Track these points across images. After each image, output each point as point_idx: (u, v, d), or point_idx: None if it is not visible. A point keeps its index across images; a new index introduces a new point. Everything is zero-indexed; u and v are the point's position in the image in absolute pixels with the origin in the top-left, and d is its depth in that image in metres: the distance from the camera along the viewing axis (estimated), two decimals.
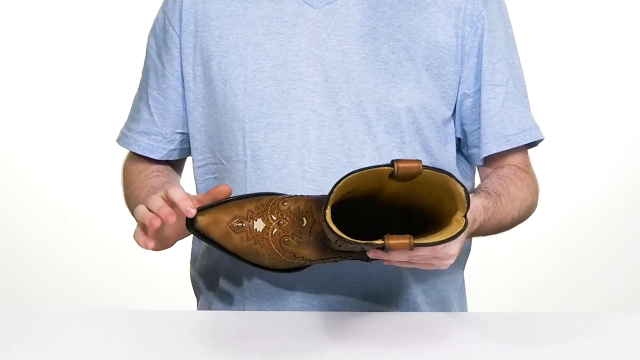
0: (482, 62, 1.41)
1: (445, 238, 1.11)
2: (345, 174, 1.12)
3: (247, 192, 1.39)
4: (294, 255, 1.22)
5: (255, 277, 1.41)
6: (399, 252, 1.14)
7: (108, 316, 1.33)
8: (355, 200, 1.20)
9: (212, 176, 1.46)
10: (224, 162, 1.43)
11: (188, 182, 1.56)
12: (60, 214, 3.24)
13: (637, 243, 3.23)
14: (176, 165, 1.56)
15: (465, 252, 1.53)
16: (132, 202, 1.48)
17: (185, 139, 1.50)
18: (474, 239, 1.54)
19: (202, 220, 1.23)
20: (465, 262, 1.55)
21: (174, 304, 2.30)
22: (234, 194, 1.40)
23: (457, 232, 1.11)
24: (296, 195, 1.24)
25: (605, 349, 1.20)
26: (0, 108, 3.22)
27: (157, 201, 1.25)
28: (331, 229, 1.10)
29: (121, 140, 1.53)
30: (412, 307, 1.43)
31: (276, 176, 1.38)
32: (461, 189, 1.13)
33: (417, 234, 1.17)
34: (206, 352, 1.19)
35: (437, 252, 1.18)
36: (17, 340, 1.22)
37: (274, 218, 1.22)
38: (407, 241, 1.09)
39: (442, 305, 1.47)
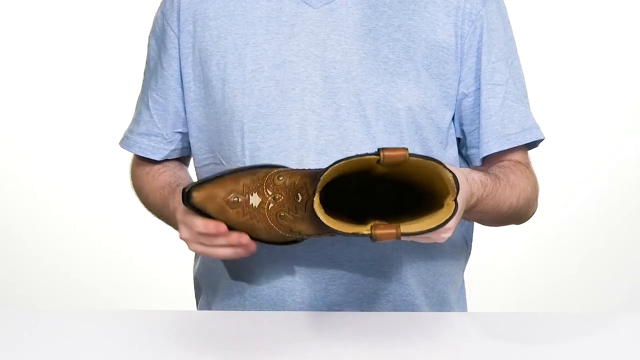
0: (481, 61, 1.41)
1: (433, 226, 1.11)
2: (331, 163, 1.13)
3: None
4: (291, 230, 1.21)
5: (255, 277, 1.41)
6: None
7: (108, 316, 1.33)
8: (351, 175, 1.20)
9: None
10: (224, 163, 1.43)
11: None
12: (61, 214, 3.24)
13: (637, 243, 3.23)
14: (183, 163, 1.56)
15: (465, 254, 1.53)
16: (151, 208, 1.50)
17: (185, 138, 1.50)
18: (475, 238, 1.54)
19: (198, 196, 1.22)
20: (465, 264, 1.55)
21: (174, 304, 2.30)
22: None
23: (446, 218, 1.12)
24: (292, 169, 1.24)
25: (605, 349, 1.20)
26: (1, 109, 3.23)
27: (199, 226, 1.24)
28: (319, 218, 1.10)
29: (122, 142, 1.53)
30: (412, 309, 1.43)
31: None
32: (449, 175, 1.13)
33: (412, 206, 1.17)
34: (206, 352, 1.19)
35: (435, 234, 1.18)
36: (17, 340, 1.22)
37: (270, 193, 1.21)
38: (394, 231, 1.09)
39: (441, 306, 1.47)
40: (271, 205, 1.21)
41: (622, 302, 3.17)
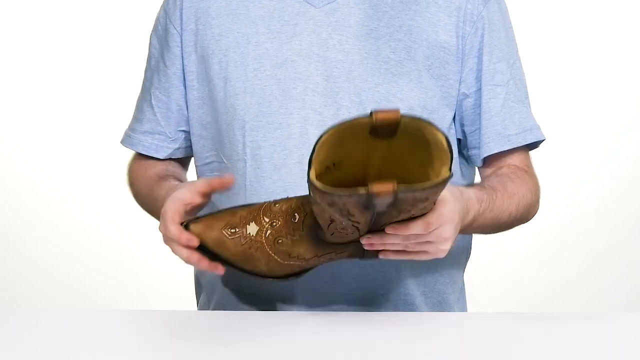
0: (482, 62, 1.41)
1: (430, 185, 1.09)
2: (324, 130, 1.11)
3: (247, 191, 1.40)
4: (289, 255, 1.21)
5: (255, 281, 1.41)
6: (383, 198, 1.10)
7: (108, 316, 1.33)
8: (349, 176, 1.20)
9: (215, 174, 1.46)
10: (225, 161, 1.43)
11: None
12: (61, 214, 3.24)
13: (638, 244, 3.23)
14: (181, 164, 1.56)
15: (465, 254, 1.52)
16: (141, 201, 1.49)
17: (189, 137, 1.49)
18: (475, 239, 1.54)
19: (195, 228, 1.23)
20: (466, 265, 1.55)
21: (174, 304, 2.30)
22: (234, 193, 1.40)
23: (442, 179, 1.10)
24: (288, 197, 1.24)
25: (605, 349, 1.20)
26: (1, 109, 3.22)
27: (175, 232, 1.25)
28: (315, 186, 1.09)
29: (125, 141, 1.53)
30: (411, 309, 1.43)
31: (275, 175, 1.39)
32: (442, 137, 1.11)
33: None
34: (206, 352, 1.19)
35: (430, 233, 1.18)
36: (17, 340, 1.22)
37: (267, 220, 1.22)
38: (390, 185, 1.07)
39: (441, 306, 1.47)
40: (269, 232, 1.21)
41: (622, 302, 3.17)
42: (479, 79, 1.41)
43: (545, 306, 3.17)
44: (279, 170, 1.38)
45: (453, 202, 1.21)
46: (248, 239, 1.22)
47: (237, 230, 1.22)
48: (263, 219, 1.22)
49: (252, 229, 1.22)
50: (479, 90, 1.41)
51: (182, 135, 1.49)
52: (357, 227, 1.17)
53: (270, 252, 1.21)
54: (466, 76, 1.41)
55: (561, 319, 1.35)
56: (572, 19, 3.16)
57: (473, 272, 1.68)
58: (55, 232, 3.24)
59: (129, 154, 1.55)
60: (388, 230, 1.17)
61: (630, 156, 3.19)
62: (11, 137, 3.22)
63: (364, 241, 1.20)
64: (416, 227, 1.17)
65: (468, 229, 1.32)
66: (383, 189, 1.08)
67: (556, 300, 3.19)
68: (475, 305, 1.66)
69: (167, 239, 1.26)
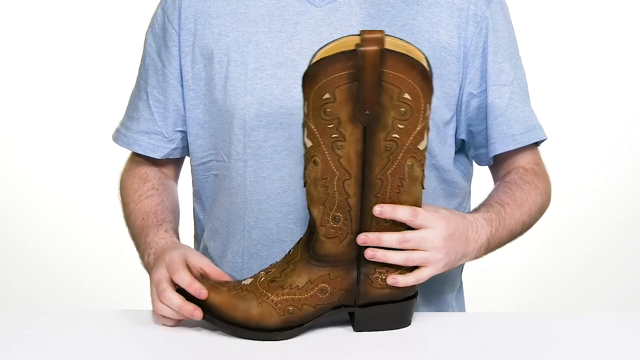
0: (487, 62, 1.41)
1: (412, 56, 1.13)
2: (316, 50, 1.15)
3: (247, 191, 1.40)
4: (282, 287, 1.21)
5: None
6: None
7: (108, 316, 1.33)
8: None
9: (213, 173, 1.46)
10: (226, 160, 1.43)
11: (183, 180, 1.56)
12: (60, 214, 3.24)
13: (637, 244, 3.23)
14: (175, 165, 1.55)
15: None
16: (129, 228, 1.48)
17: (185, 137, 1.49)
18: None
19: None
20: (464, 265, 1.54)
21: None
22: (232, 191, 1.41)
23: (422, 60, 1.14)
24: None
25: (605, 349, 1.20)
26: (1, 109, 3.22)
27: (174, 299, 1.23)
28: (312, 61, 1.13)
29: (120, 139, 1.52)
30: None
31: (275, 175, 1.38)
32: (422, 56, 1.15)
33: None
34: (206, 352, 1.19)
35: (424, 236, 1.20)
36: (17, 340, 1.22)
37: (262, 273, 1.24)
38: (377, 40, 1.12)
39: (438, 305, 1.47)
40: (262, 278, 1.22)
41: (622, 302, 3.17)
42: (484, 79, 1.41)
43: (545, 306, 3.17)
44: (279, 170, 1.38)
45: (447, 216, 1.23)
46: (241, 286, 1.23)
47: (231, 282, 1.25)
48: (259, 273, 1.24)
49: (246, 281, 1.24)
50: (485, 90, 1.42)
51: (179, 135, 1.49)
52: (347, 204, 1.17)
53: (263, 290, 1.22)
54: (473, 76, 1.41)
55: (561, 319, 1.35)
56: (572, 19, 3.16)
57: (472, 273, 1.68)
58: (55, 232, 3.24)
59: (130, 154, 1.55)
60: (375, 210, 1.18)
61: (630, 156, 3.19)
62: (11, 137, 3.22)
63: (360, 240, 1.19)
64: (403, 211, 1.18)
65: (485, 251, 1.33)
66: (372, 36, 1.12)
67: (556, 300, 3.19)
68: (474, 306, 1.66)
69: (162, 283, 1.26)
